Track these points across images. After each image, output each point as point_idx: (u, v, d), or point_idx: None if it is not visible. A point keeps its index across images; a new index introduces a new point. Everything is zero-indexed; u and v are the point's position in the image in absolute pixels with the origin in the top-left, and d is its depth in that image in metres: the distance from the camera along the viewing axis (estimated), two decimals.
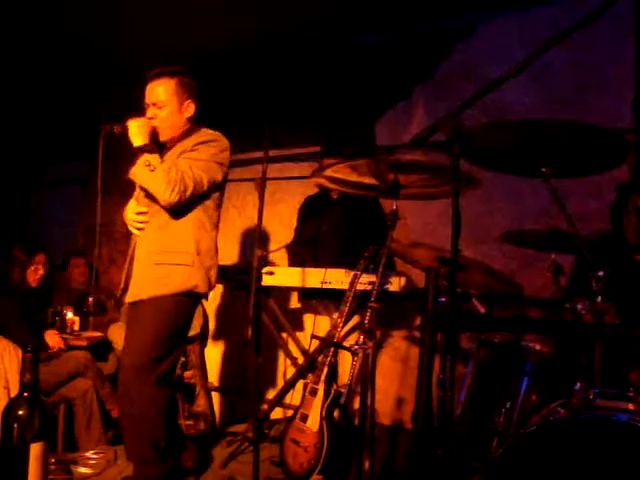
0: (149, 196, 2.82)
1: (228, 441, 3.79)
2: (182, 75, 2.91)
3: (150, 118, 2.86)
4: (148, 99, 2.89)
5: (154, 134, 2.85)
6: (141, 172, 2.74)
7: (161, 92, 2.86)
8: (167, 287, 2.76)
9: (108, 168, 2.85)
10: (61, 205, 5.78)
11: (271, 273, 3.56)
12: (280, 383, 4.32)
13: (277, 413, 4.06)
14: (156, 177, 2.70)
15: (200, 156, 2.81)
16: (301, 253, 4.02)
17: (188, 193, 2.74)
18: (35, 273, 3.95)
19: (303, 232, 4.09)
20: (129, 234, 3.01)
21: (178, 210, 2.80)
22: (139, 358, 2.71)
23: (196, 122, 2.97)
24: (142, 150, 2.75)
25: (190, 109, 2.93)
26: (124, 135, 2.79)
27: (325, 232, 3.94)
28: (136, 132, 2.78)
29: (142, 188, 2.85)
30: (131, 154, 2.79)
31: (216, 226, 2.96)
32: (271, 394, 4.19)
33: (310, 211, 4.11)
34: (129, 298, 2.88)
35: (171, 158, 2.83)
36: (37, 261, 3.96)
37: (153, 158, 2.73)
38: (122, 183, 3.03)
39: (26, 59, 4.83)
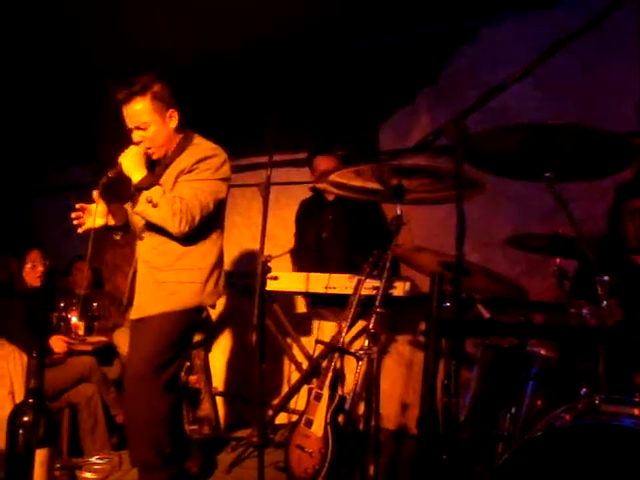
0: (159, 230, 2.75)
1: (232, 446, 3.80)
2: (153, 86, 2.75)
3: (138, 142, 2.77)
4: (130, 123, 2.77)
5: (148, 159, 2.78)
6: (145, 209, 2.67)
7: (141, 113, 2.73)
8: (175, 304, 2.75)
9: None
10: (63, 211, 5.80)
11: (275, 278, 3.55)
12: (285, 388, 4.32)
13: (282, 418, 4.05)
14: (161, 212, 2.65)
15: (201, 176, 2.74)
16: (305, 260, 4.01)
17: (197, 220, 2.70)
18: (34, 271, 3.90)
19: (304, 238, 4.08)
20: (133, 240, 3.00)
21: None
22: (144, 366, 2.70)
23: (184, 128, 2.88)
24: (141, 188, 2.66)
25: (174, 118, 2.82)
26: (121, 175, 2.71)
27: (326, 237, 3.94)
28: (130, 167, 2.69)
29: (149, 223, 2.77)
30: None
31: (221, 234, 2.92)
32: (276, 399, 4.19)
33: (307, 216, 4.11)
34: (134, 315, 2.84)
35: (169, 178, 2.78)
36: (32, 259, 3.90)
37: (154, 192, 2.65)
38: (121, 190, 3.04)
39: (26, 67, 4.84)
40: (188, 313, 2.78)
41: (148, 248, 2.84)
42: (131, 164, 2.69)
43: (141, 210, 2.70)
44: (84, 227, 2.83)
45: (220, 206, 2.87)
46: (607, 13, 1.71)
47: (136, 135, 2.78)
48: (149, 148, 2.78)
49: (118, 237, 3.06)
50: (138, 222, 2.87)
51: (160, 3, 3.89)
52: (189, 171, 2.75)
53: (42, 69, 4.91)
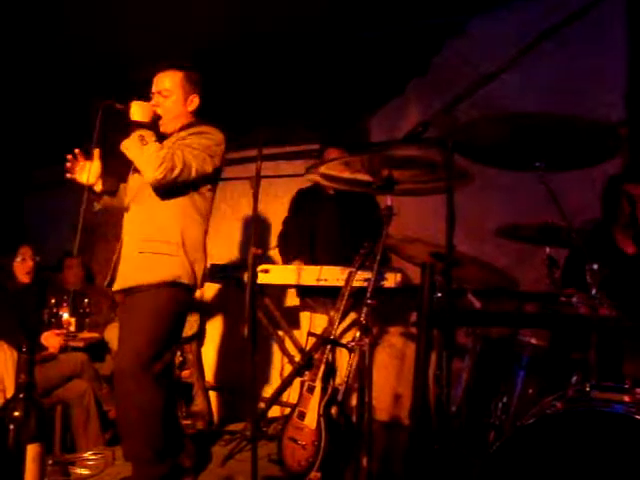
0: (146, 201, 2.81)
1: (226, 440, 3.80)
2: (190, 70, 2.98)
3: (154, 105, 2.91)
4: (154, 87, 2.96)
5: (155, 120, 2.89)
6: (132, 145, 2.76)
7: (167, 81, 2.94)
8: (150, 276, 2.77)
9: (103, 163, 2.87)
10: (56, 207, 5.78)
11: (266, 271, 3.56)
12: (277, 381, 4.32)
13: (275, 411, 4.06)
14: (146, 152, 2.72)
15: (192, 144, 2.83)
16: (295, 248, 4.00)
17: (175, 173, 2.73)
18: (23, 265, 3.91)
19: (297, 226, 4.07)
20: (120, 231, 3.00)
21: (165, 198, 2.81)
22: (134, 359, 2.70)
23: (199, 118, 3.01)
24: (139, 125, 2.77)
25: (194, 103, 3.00)
26: (125, 111, 2.81)
27: (322, 229, 3.94)
28: (137, 110, 2.82)
29: (138, 194, 2.85)
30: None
31: (205, 219, 2.96)
32: (268, 392, 4.19)
33: (303, 205, 4.10)
34: (116, 286, 2.88)
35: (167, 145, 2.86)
36: (22, 252, 3.91)
37: (148, 134, 2.76)
38: (116, 179, 3.05)
39: (20, 61, 4.81)
40: (169, 295, 2.79)
41: (133, 219, 2.91)
42: (139, 110, 2.83)
43: (128, 145, 2.77)
44: (72, 176, 2.91)
45: (205, 182, 2.92)
46: (592, 4, 1.71)
47: (155, 99, 2.94)
48: (160, 118, 2.91)
49: (98, 206, 3.10)
50: (131, 189, 2.94)
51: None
52: (184, 138, 2.86)
53: (35, 63, 4.87)
